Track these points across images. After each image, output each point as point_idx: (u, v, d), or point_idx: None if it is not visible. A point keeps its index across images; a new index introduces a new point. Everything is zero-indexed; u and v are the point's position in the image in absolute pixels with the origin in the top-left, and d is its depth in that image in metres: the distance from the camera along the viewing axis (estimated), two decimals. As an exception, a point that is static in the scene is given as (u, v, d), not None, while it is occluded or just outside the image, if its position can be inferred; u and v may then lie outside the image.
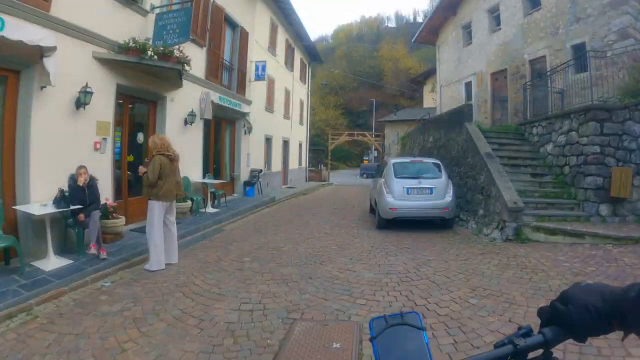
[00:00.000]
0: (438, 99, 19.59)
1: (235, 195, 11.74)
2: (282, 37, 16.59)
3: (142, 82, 7.17)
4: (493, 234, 7.01)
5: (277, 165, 16.56)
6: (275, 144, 16.11)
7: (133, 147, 7.43)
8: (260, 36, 13.50)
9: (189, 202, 8.00)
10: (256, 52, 12.88)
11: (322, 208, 11.60)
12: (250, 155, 12.65)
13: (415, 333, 0.85)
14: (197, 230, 7.24)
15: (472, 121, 10.76)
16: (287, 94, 17.86)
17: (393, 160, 8.46)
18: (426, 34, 19.21)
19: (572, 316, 0.63)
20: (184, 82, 8.36)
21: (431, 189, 7.58)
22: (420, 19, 65.43)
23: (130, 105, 7.33)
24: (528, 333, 0.66)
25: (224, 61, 10.88)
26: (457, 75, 17.98)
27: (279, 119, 16.70)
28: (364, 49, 61.78)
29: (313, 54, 22.16)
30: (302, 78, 21.23)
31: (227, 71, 11.30)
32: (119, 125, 6.88)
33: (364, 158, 49.30)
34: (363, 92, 54.74)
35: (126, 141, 7.18)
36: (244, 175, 12.21)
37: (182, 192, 5.12)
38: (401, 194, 7.56)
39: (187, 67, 7.34)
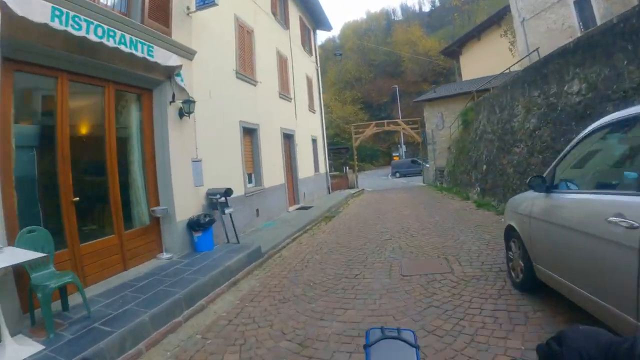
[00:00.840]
0: (521, 40, 12.47)
1: (166, 257, 5.19)
2: (262, -33, 10.08)
3: None
4: None
5: (274, 175, 9.89)
6: (266, 140, 9.41)
7: None
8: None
9: None
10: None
11: (372, 275, 4.55)
12: (202, 162, 6.12)
13: (408, 349, 0.83)
14: None
15: None
16: (283, 61, 11.26)
17: None
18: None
19: (564, 359, 0.61)
20: None
21: None
22: (426, 9, 61.40)
23: None
24: None
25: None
26: (557, -7, 11.08)
27: (270, 97, 10.07)
28: (376, 36, 56.69)
29: (318, 16, 15.49)
30: (306, 45, 14.53)
31: (115, -25, 4.88)
32: None
33: (394, 154, 42.44)
34: (381, 82, 50.83)
35: None
36: (185, 207, 5.62)
37: None
38: None
39: None
